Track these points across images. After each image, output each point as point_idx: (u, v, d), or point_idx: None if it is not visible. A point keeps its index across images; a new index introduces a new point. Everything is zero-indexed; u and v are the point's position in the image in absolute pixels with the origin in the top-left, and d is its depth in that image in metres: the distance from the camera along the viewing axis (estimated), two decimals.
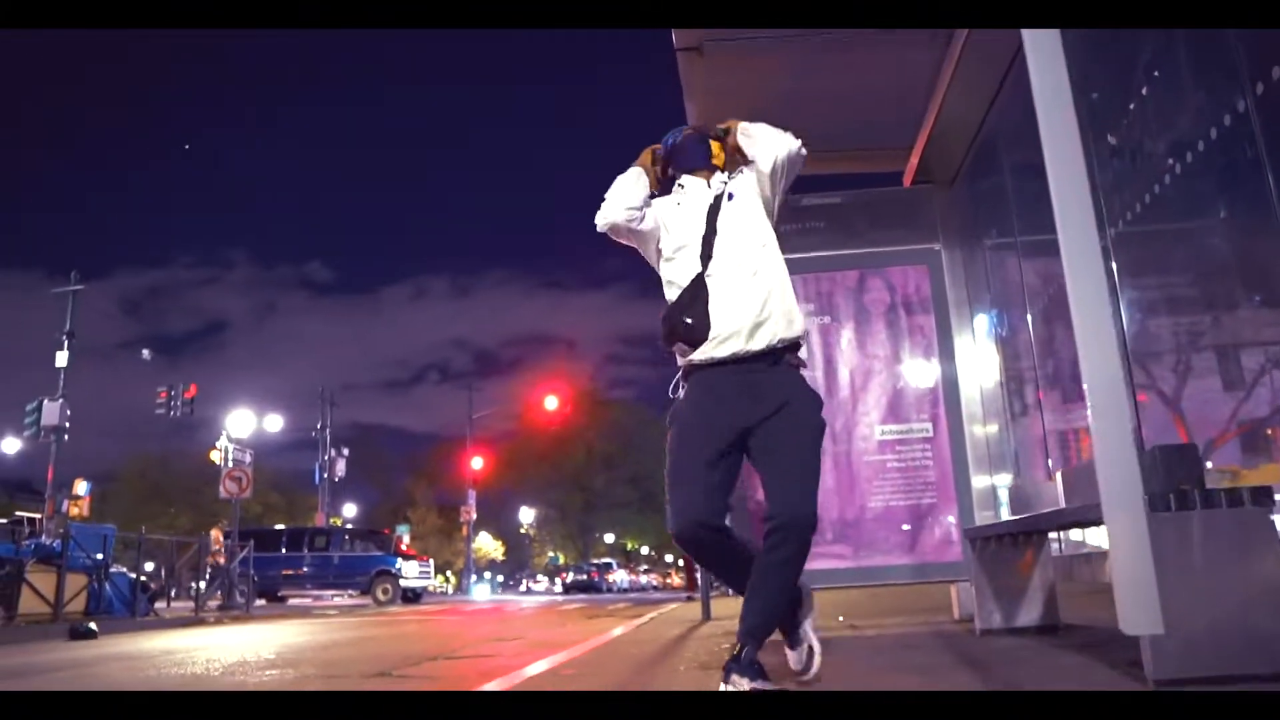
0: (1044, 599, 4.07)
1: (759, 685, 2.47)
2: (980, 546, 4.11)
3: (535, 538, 60.22)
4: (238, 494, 14.85)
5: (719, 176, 2.96)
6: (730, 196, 2.89)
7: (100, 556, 11.14)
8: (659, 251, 2.92)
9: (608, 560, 51.37)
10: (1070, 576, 4.03)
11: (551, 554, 61.39)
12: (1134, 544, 1.58)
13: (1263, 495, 2.44)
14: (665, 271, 2.89)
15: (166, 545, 14.83)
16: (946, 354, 5.37)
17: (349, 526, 26.58)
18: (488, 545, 59.45)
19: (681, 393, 2.82)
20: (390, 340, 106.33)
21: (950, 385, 5.35)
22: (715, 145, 2.98)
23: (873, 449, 5.34)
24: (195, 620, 12.13)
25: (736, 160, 3.00)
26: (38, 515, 22.03)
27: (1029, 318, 4.83)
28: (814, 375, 5.45)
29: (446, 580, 48.34)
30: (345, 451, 32.12)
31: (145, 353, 28.67)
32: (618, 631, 6.33)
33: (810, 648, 2.83)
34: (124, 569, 12.29)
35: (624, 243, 3.00)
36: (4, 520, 18.51)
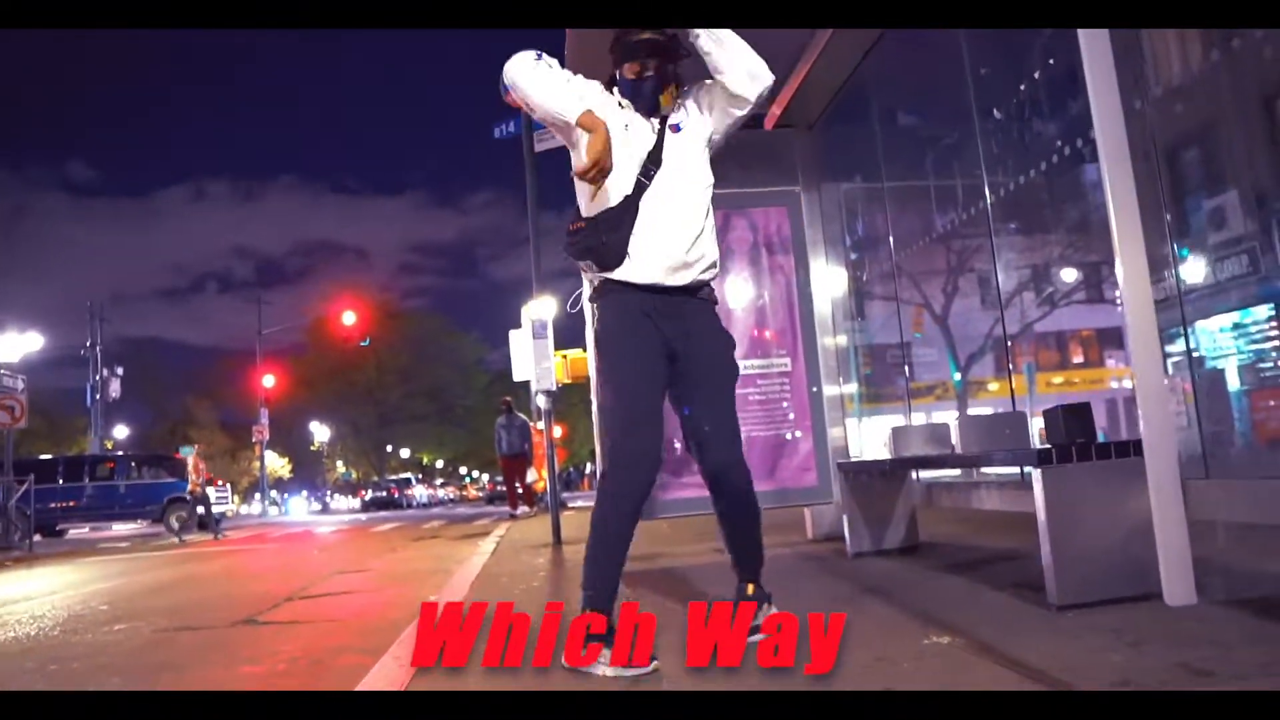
0: (906, 523, 4.51)
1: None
2: (852, 477, 4.47)
3: (327, 454, 58.39)
4: (10, 424, 13.38)
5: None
6: (677, 128, 2.80)
7: None
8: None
9: (407, 476, 50.75)
10: (929, 503, 4.51)
11: (344, 470, 59.90)
12: (1175, 521, 1.83)
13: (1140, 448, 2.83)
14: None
15: None
16: (804, 293, 5.66)
17: (134, 452, 24.61)
18: (274, 463, 57.10)
19: (589, 307, 2.77)
20: (166, 247, 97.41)
21: (807, 321, 5.66)
22: (665, 97, 2.80)
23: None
24: None
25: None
26: None
27: (893, 259, 5.18)
28: None
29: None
30: (120, 370, 29.63)
31: None
32: (480, 560, 6.37)
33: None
34: None
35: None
36: None
